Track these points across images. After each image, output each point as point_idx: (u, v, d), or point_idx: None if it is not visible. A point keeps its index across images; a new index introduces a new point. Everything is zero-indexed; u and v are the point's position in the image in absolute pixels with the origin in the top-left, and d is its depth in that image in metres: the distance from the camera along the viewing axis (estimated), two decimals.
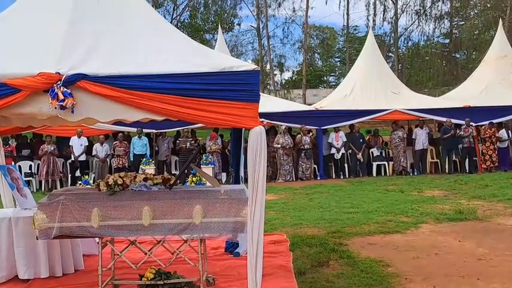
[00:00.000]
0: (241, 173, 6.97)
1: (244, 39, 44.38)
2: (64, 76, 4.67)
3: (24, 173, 15.56)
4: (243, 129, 6.02)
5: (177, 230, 5.09)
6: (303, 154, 16.97)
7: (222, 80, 4.85)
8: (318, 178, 17.05)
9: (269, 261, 6.18)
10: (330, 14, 71.88)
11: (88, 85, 4.69)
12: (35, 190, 15.41)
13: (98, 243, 5.52)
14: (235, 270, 6.07)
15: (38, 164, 16.32)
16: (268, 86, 42.20)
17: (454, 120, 17.46)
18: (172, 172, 16.41)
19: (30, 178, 15.82)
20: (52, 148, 15.95)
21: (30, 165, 16.24)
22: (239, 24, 44.05)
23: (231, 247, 6.98)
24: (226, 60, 5.34)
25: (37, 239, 5.17)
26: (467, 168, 17.20)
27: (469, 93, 19.44)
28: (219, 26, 23.71)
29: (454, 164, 17.61)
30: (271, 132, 17.44)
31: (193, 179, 8.62)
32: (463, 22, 40.94)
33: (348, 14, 40.51)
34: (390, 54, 41.88)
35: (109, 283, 5.49)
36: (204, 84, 4.81)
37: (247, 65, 5.11)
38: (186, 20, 43.57)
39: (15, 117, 5.80)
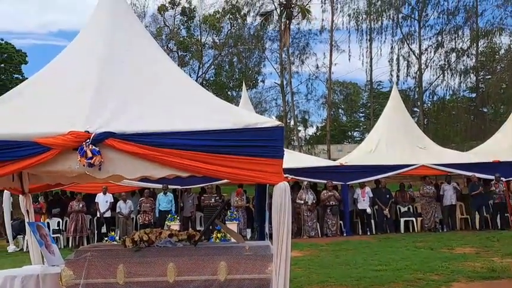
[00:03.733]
0: (266, 229, 6.94)
1: (268, 96, 45.06)
2: (93, 134, 4.81)
3: (53, 229, 15.72)
4: (268, 185, 6.04)
5: (202, 287, 5.05)
6: (328, 210, 16.80)
7: (247, 137, 4.93)
8: (344, 234, 16.80)
9: None
10: (353, 70, 72.56)
11: (115, 143, 4.81)
12: (62, 246, 15.49)
13: None
14: None
15: (66, 221, 16.49)
16: (292, 142, 42.39)
17: (483, 176, 17.16)
18: (197, 228, 16.36)
19: (58, 235, 15.95)
20: (80, 205, 16.15)
21: (59, 222, 16.42)
22: (263, 81, 44.85)
23: None
24: (250, 116, 5.44)
25: None
26: (499, 225, 16.78)
27: (498, 147, 19.17)
28: (243, 83, 24.16)
29: (485, 220, 17.19)
30: (296, 187, 17.37)
31: (218, 235, 8.58)
32: (489, 76, 40.88)
33: (371, 70, 40.91)
34: (415, 109, 41.85)
35: None
36: (229, 141, 4.89)
37: (271, 121, 5.19)
38: (211, 78, 44.57)
39: (45, 175, 5.95)
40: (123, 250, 5.36)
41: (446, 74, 40.14)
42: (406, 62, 40.40)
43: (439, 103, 41.55)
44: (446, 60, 39.89)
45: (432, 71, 40.42)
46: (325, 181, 17.13)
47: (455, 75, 40.01)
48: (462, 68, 39.71)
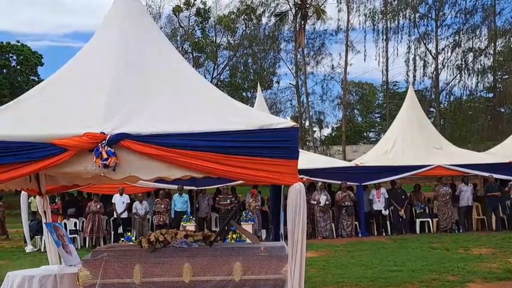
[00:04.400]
0: (281, 230, 6.94)
1: (283, 97, 45.05)
2: (108, 136, 4.85)
3: (69, 230, 15.85)
4: (283, 185, 6.05)
5: (218, 287, 5.08)
6: (343, 211, 16.74)
7: (261, 138, 4.94)
8: (359, 235, 16.73)
9: None
10: (369, 70, 72.28)
11: (131, 144, 4.85)
12: (79, 247, 15.62)
13: None
14: None
15: (83, 221, 16.63)
16: (307, 143, 42.31)
17: (500, 176, 16.98)
18: (213, 229, 16.40)
19: (75, 235, 16.08)
20: (98, 206, 16.28)
21: (75, 223, 16.56)
22: (278, 82, 44.85)
23: None
24: (265, 117, 5.45)
25: None
26: None
27: None
28: (258, 84, 24.16)
29: (502, 220, 17.02)
30: (311, 188, 17.33)
31: (234, 235, 8.61)
32: (507, 76, 40.43)
33: (387, 70, 40.69)
34: (432, 109, 41.54)
35: None
36: (244, 142, 4.91)
37: (286, 122, 5.20)
38: (226, 79, 44.67)
39: (62, 176, 6.02)
40: (139, 250, 5.40)
41: (463, 74, 39.79)
42: (422, 61, 40.17)
43: (455, 103, 41.17)
44: (463, 59, 39.53)
45: (449, 71, 40.11)
46: (340, 182, 17.08)
47: (472, 75, 39.64)
48: (479, 67, 39.31)
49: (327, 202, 16.58)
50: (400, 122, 20.07)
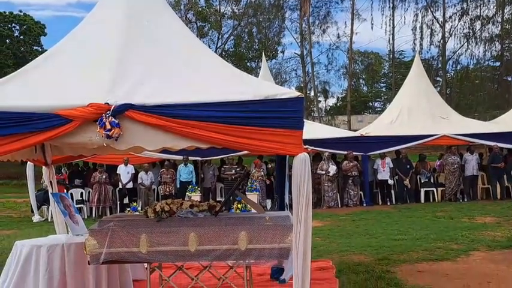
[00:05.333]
0: (286, 200, 6.97)
1: (288, 67, 44.73)
2: (113, 106, 4.83)
3: (76, 200, 16.00)
4: (287, 156, 6.04)
5: (223, 256, 5.12)
6: (350, 180, 16.79)
7: (266, 108, 4.91)
8: (364, 205, 16.82)
9: None
10: (375, 39, 71.45)
11: (135, 114, 4.83)
12: (86, 217, 15.79)
13: (146, 268, 5.62)
14: None
15: (89, 192, 16.76)
16: (312, 113, 42.18)
17: (506, 146, 16.95)
18: (218, 199, 16.50)
19: (82, 205, 16.24)
20: (104, 177, 16.38)
21: (82, 193, 16.70)
22: (283, 52, 44.47)
23: (277, 273, 6.94)
24: (270, 87, 5.41)
25: (89, 264, 5.30)
26: None
27: None
28: (263, 54, 23.97)
29: (506, 189, 17.04)
30: (317, 159, 17.36)
31: (239, 205, 8.66)
32: None
33: (393, 39, 40.25)
34: (438, 78, 41.21)
35: None
36: (248, 112, 4.88)
37: (291, 92, 5.16)
38: (230, 49, 44.29)
39: (67, 146, 6.03)
40: (145, 220, 5.45)
41: (470, 42, 39.33)
42: (429, 30, 39.69)
43: (462, 72, 40.82)
44: (470, 28, 39.00)
45: (456, 40, 39.66)
46: (345, 152, 17.08)
47: (479, 44, 39.19)
48: (487, 36, 38.83)
49: (335, 172, 16.63)
50: (406, 91, 19.95)
